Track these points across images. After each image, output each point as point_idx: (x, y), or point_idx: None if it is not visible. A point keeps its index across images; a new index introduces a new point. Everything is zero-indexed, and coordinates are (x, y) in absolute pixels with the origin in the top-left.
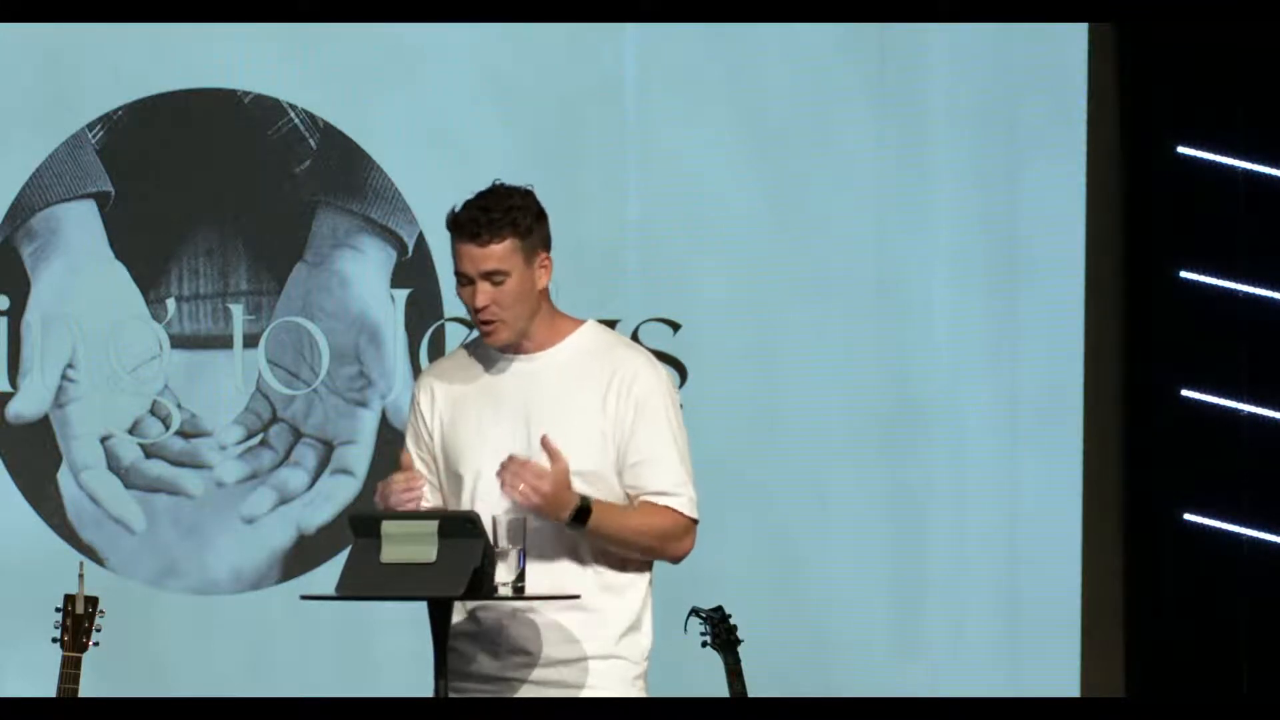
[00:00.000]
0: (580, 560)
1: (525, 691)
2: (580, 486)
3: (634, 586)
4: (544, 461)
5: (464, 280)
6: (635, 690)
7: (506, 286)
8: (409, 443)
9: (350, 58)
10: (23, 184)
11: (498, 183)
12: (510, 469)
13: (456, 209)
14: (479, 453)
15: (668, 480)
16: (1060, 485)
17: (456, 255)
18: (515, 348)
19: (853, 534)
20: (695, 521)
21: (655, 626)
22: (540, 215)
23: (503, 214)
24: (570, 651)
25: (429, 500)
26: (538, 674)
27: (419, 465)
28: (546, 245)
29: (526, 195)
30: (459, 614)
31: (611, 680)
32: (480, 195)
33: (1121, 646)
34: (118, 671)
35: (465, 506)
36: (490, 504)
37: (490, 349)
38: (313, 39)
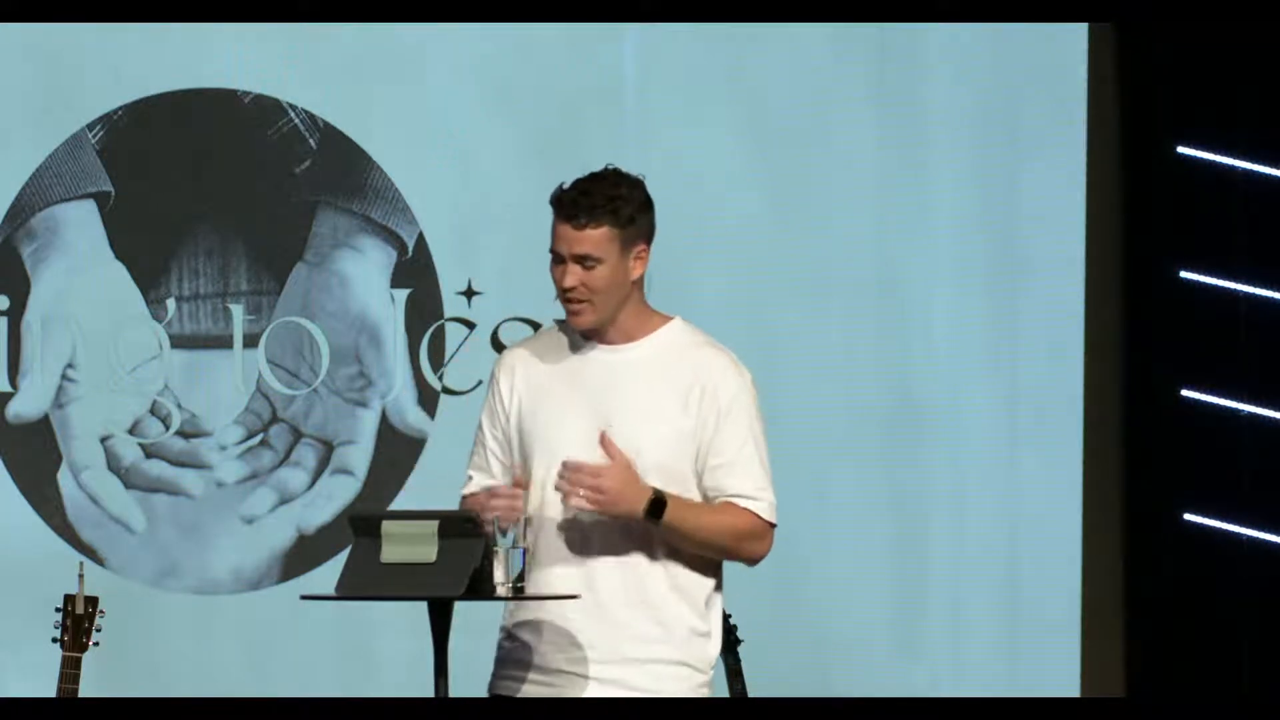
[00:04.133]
0: (651, 557)
1: (589, 689)
2: (655, 483)
3: (701, 586)
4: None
5: (556, 259)
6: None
7: (596, 272)
8: (484, 419)
9: (350, 58)
10: (23, 184)
11: (610, 167)
12: (566, 476)
13: (565, 185)
14: (556, 441)
15: (748, 484)
16: (1060, 485)
17: (553, 233)
18: (601, 337)
19: (853, 534)
20: (773, 525)
21: None
22: (645, 207)
23: (605, 201)
24: (638, 652)
25: (499, 482)
26: (603, 671)
27: (493, 444)
28: (648, 238)
29: (635, 185)
30: (528, 608)
31: (678, 687)
32: (588, 177)
33: (1121, 646)
34: (118, 671)
35: (537, 492)
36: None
37: (576, 335)
38: (313, 39)
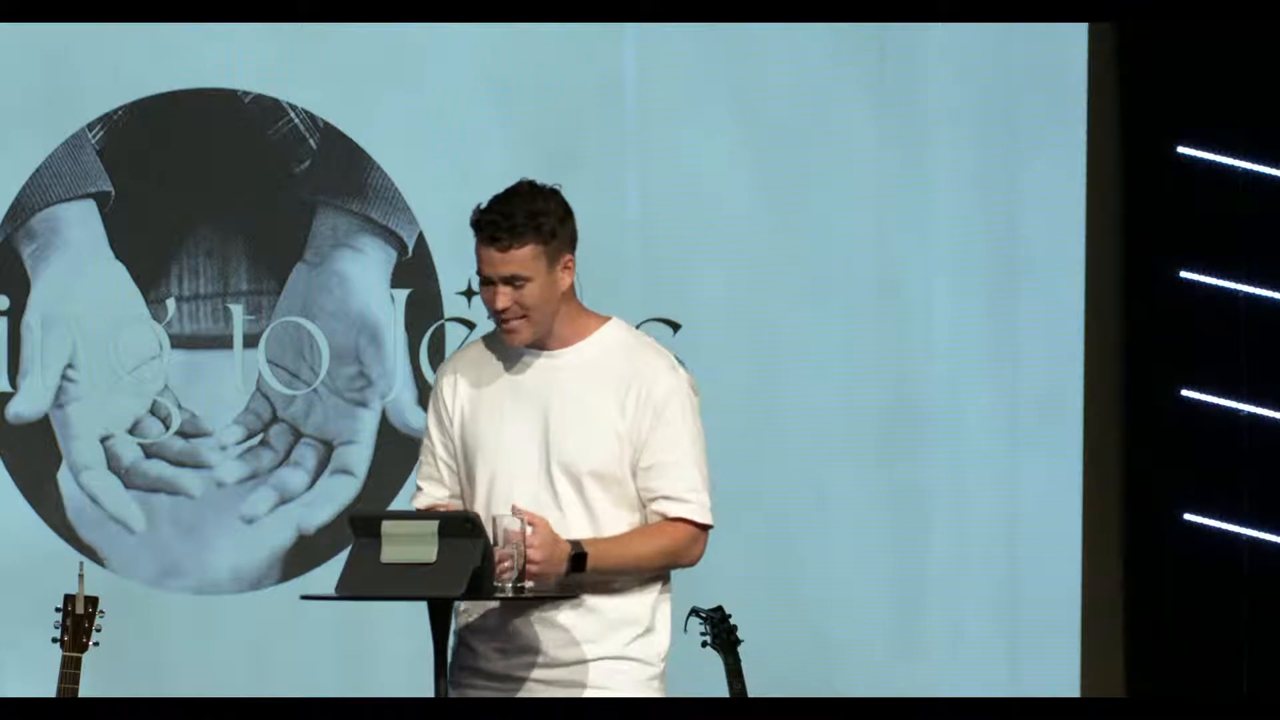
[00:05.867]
0: None
1: (533, 691)
2: (594, 488)
3: (646, 587)
4: (556, 459)
5: (485, 281)
6: (650, 692)
7: (527, 290)
8: (431, 429)
9: (350, 58)
10: (23, 184)
11: (524, 181)
12: (500, 558)
13: (481, 207)
14: (497, 447)
15: (680, 485)
16: (1060, 485)
17: (478, 256)
18: (538, 344)
19: (853, 534)
20: (708, 527)
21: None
22: (565, 217)
23: (526, 219)
24: (579, 653)
25: (449, 489)
26: (546, 674)
27: (442, 452)
28: (571, 246)
29: (551, 196)
30: (471, 612)
31: (623, 682)
32: (504, 196)
33: (1121, 646)
34: (118, 671)
35: (481, 498)
36: (504, 499)
37: None
38: (313, 39)
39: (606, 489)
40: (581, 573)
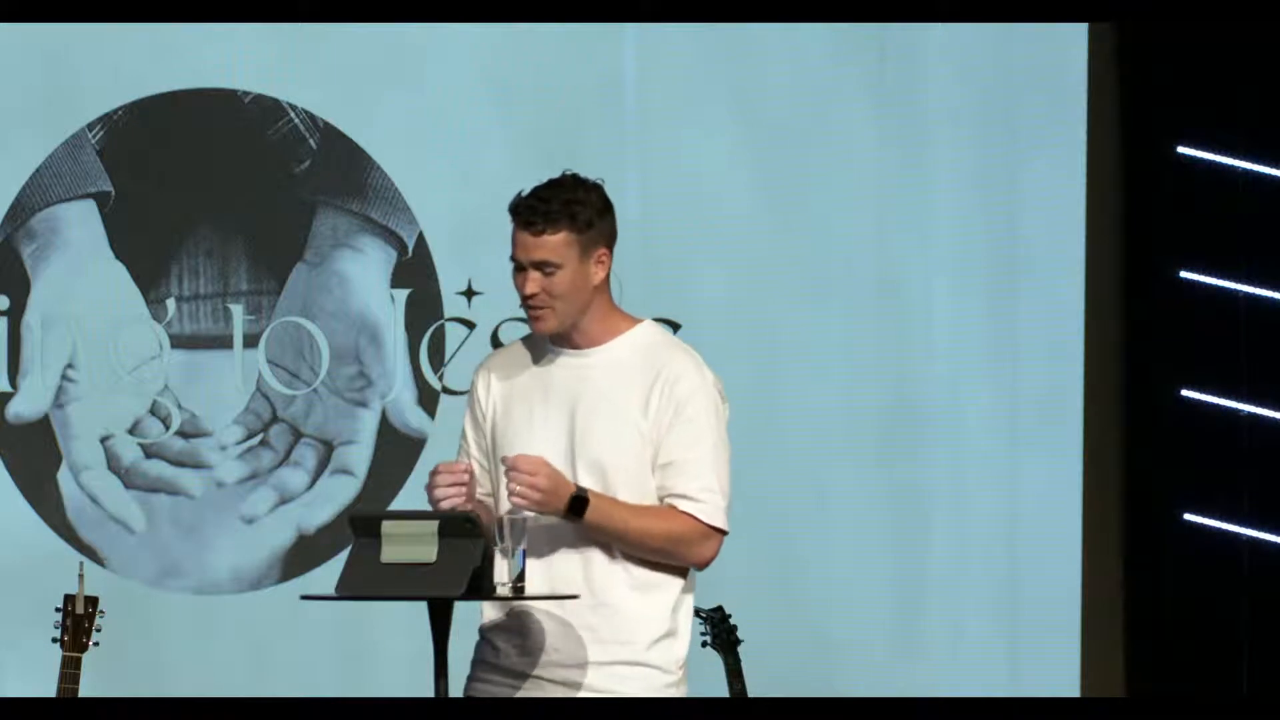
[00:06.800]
0: (611, 557)
1: (551, 691)
2: (619, 486)
3: (666, 587)
4: (582, 458)
5: (517, 266)
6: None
7: (556, 278)
8: (467, 428)
9: (350, 58)
10: (23, 184)
11: (568, 173)
12: (507, 468)
13: (523, 193)
14: (526, 445)
15: (694, 485)
16: (1060, 485)
17: (512, 241)
18: (568, 342)
19: (853, 534)
20: (720, 530)
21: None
22: (604, 210)
23: (561, 206)
24: (598, 655)
25: (483, 487)
26: (564, 674)
27: (476, 451)
28: (609, 242)
29: (593, 189)
30: (495, 608)
31: (640, 687)
32: (546, 184)
33: (1121, 646)
34: (118, 671)
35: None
36: None
37: (545, 342)
38: (313, 39)
39: (631, 487)
40: (577, 519)
